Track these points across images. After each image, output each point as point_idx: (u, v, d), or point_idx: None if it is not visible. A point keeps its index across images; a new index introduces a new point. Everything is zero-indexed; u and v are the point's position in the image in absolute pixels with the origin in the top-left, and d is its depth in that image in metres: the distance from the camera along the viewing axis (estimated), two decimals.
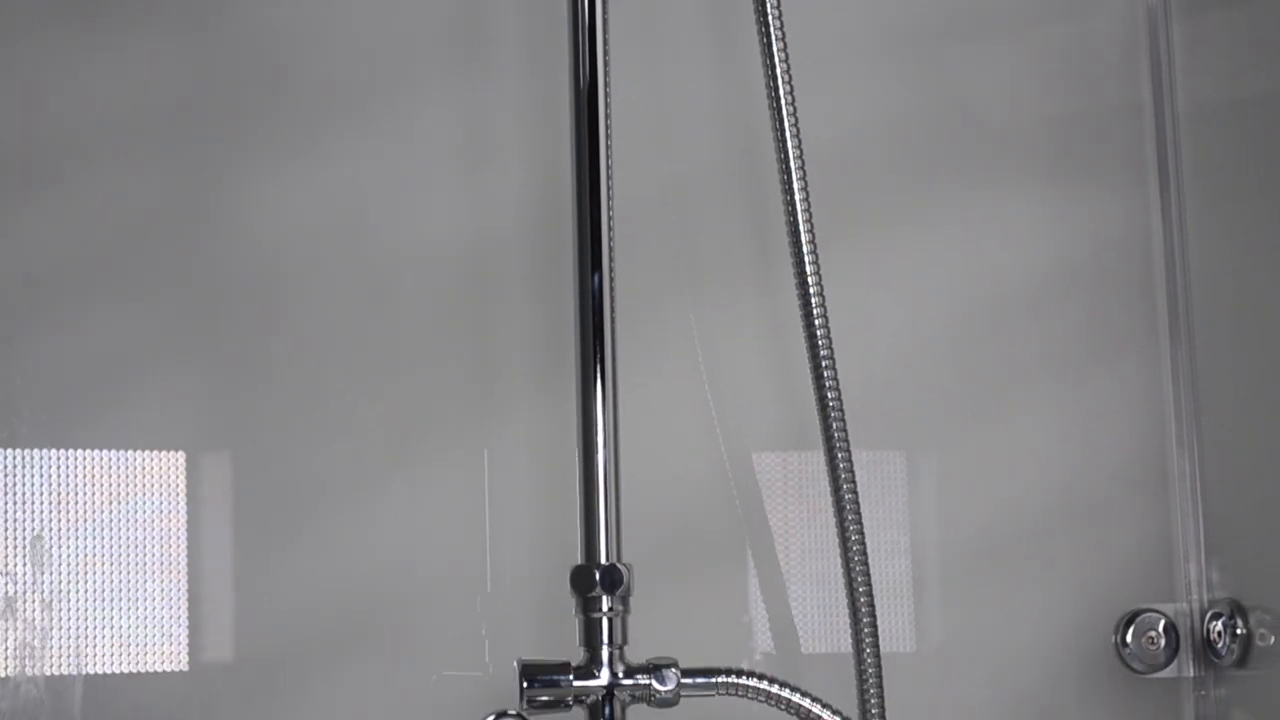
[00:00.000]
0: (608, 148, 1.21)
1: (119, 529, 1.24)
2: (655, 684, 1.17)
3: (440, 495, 1.30)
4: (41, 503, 1.23)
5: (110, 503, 1.24)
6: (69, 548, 1.23)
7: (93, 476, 1.24)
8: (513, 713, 1.07)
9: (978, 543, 1.40)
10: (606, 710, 1.17)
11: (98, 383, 1.25)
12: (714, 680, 1.18)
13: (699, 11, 1.39)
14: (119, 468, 1.25)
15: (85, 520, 1.24)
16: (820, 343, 1.29)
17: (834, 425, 1.29)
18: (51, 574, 1.22)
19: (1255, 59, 1.34)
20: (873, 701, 1.28)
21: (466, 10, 1.35)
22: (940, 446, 1.40)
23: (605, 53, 1.22)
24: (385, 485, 1.29)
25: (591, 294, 1.20)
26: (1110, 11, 1.45)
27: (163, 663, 1.24)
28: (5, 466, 1.22)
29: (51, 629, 1.22)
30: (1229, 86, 1.38)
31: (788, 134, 1.28)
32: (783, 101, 1.28)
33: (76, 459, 1.24)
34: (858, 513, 1.28)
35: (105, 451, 1.25)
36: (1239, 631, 1.34)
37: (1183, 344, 1.41)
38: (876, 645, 1.29)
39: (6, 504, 1.22)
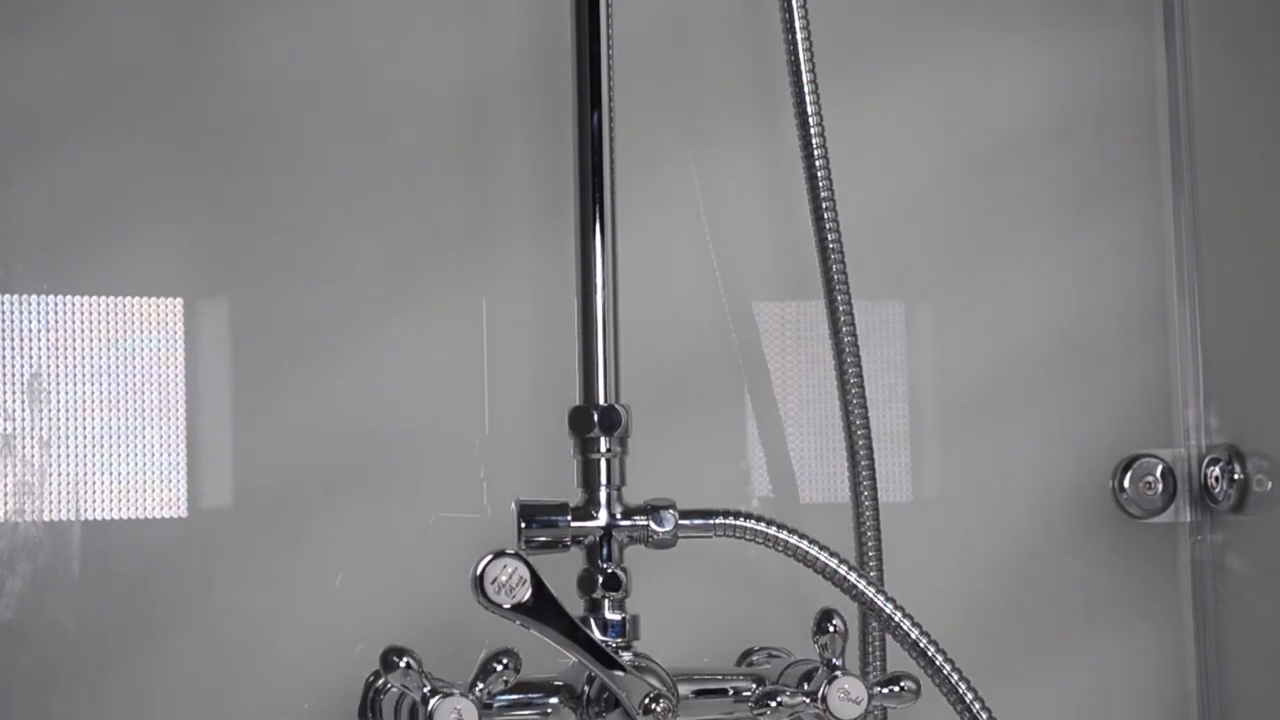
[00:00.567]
0: None
1: (117, 375, 1.24)
2: (653, 525, 1.17)
3: (439, 337, 1.30)
4: (39, 347, 1.22)
5: (108, 349, 1.24)
6: (66, 392, 1.23)
7: (90, 322, 1.24)
8: (510, 552, 1.07)
9: (976, 390, 1.40)
10: (604, 551, 1.17)
11: (94, 227, 1.24)
12: (712, 522, 1.18)
13: None
14: (116, 314, 1.24)
15: (83, 365, 1.23)
16: (821, 184, 1.28)
17: (834, 268, 1.28)
18: (49, 415, 1.22)
19: None
20: (870, 548, 1.29)
21: None
22: (939, 293, 1.40)
23: None
24: (384, 328, 1.28)
25: (591, 132, 1.19)
26: None
27: (161, 508, 1.24)
28: (2, 311, 1.22)
29: (49, 471, 1.22)
30: None
31: None
32: None
33: (74, 305, 1.23)
34: (857, 355, 1.28)
35: (102, 298, 1.24)
36: (1236, 477, 1.35)
37: (1185, 188, 1.40)
38: (874, 492, 1.29)
39: (4, 347, 1.22)
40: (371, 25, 1.30)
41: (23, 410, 1.22)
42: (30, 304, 1.22)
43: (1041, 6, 1.42)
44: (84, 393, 1.23)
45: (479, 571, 1.07)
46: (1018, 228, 1.41)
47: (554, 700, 1.16)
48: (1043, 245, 1.41)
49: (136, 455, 1.24)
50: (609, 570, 1.17)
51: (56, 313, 1.23)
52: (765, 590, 1.33)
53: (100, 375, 1.24)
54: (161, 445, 1.24)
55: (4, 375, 1.22)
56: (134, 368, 1.24)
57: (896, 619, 1.19)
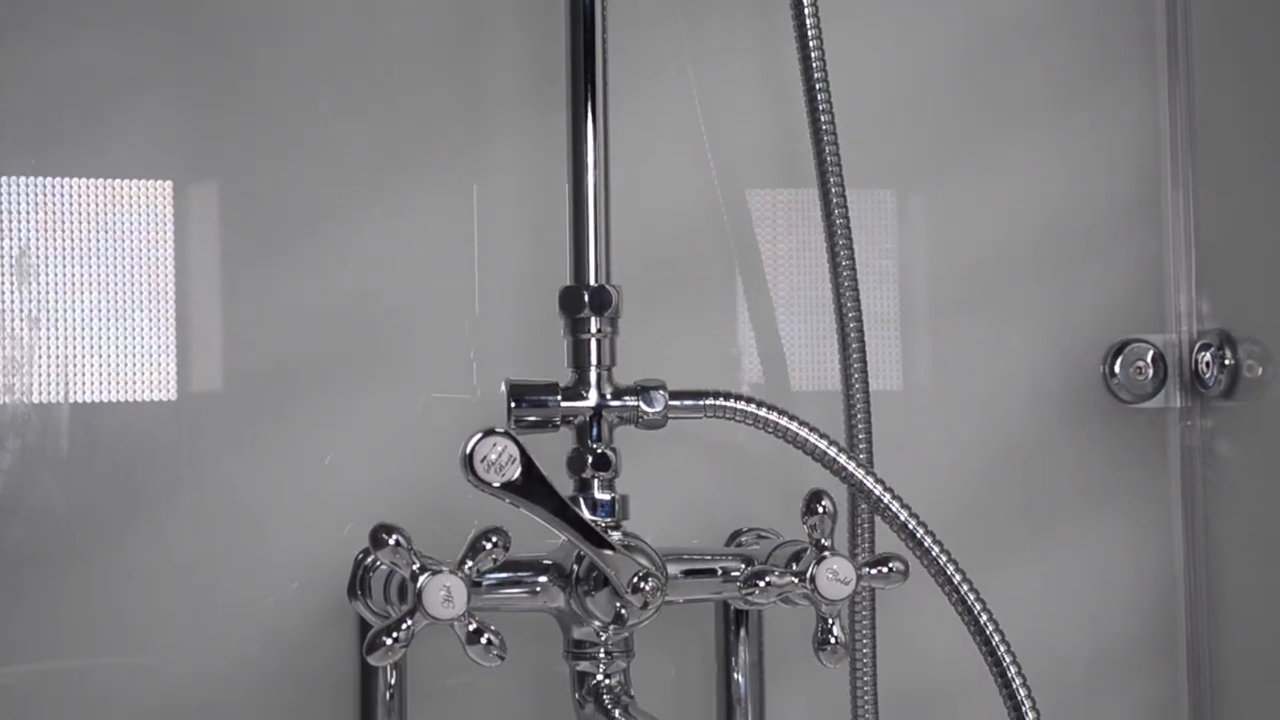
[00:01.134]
0: None
1: (106, 257, 1.23)
2: (643, 405, 1.17)
3: (429, 219, 1.29)
4: (27, 226, 1.22)
5: (97, 231, 1.23)
6: (55, 272, 1.22)
7: (79, 204, 1.23)
8: (500, 431, 1.07)
9: (968, 276, 1.40)
10: (594, 431, 1.17)
11: (83, 110, 1.23)
12: (702, 403, 1.18)
13: None
14: (106, 196, 1.24)
15: (72, 246, 1.23)
16: (815, 72, 1.27)
17: (827, 153, 1.28)
18: (38, 294, 1.22)
19: None
20: (860, 434, 1.29)
21: None
22: (930, 180, 1.39)
23: None
24: (374, 209, 1.28)
25: (584, 11, 1.18)
26: None
27: (151, 391, 1.24)
28: None
29: (38, 350, 1.21)
30: None
31: None
32: None
33: (62, 186, 1.22)
34: (849, 240, 1.28)
35: (91, 180, 1.23)
36: (1227, 362, 1.35)
37: (1180, 75, 1.39)
38: (865, 377, 1.29)
39: None
40: None
41: (11, 288, 1.21)
42: (18, 185, 1.22)
43: None
44: (73, 273, 1.23)
45: (468, 450, 1.06)
46: (1011, 115, 1.41)
47: (543, 579, 1.17)
48: (1036, 132, 1.41)
49: (125, 337, 1.23)
50: (599, 450, 1.17)
51: (45, 194, 1.22)
52: (755, 472, 1.33)
53: (89, 257, 1.23)
54: (150, 327, 1.24)
55: None
56: (123, 250, 1.24)
57: (885, 500, 1.19)
